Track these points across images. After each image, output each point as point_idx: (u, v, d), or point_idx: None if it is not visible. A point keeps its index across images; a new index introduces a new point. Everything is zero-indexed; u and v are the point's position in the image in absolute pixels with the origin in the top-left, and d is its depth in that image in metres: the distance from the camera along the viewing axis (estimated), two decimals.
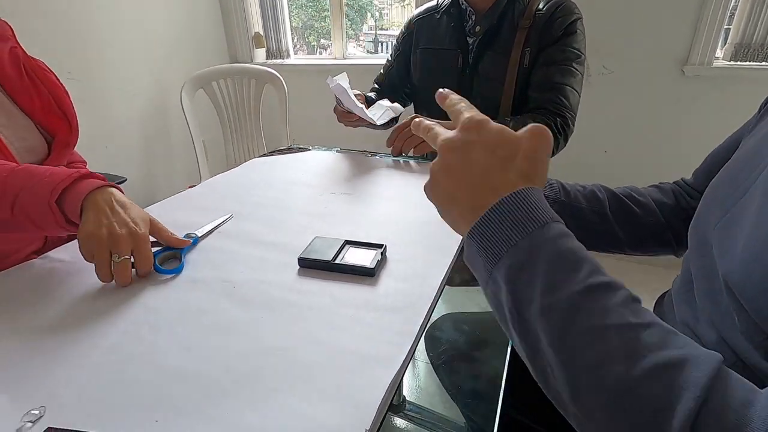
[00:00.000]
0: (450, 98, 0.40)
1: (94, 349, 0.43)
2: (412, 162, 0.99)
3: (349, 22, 2.46)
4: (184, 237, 0.62)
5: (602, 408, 0.25)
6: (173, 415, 0.36)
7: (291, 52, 2.41)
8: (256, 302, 0.50)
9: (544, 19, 0.98)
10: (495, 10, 1.02)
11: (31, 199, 0.53)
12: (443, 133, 0.38)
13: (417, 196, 0.79)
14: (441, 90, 0.41)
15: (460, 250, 0.62)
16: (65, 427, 0.35)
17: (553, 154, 1.00)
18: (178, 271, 0.56)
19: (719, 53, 1.65)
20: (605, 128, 1.81)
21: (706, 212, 0.45)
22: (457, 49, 1.07)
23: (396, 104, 1.07)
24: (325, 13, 2.45)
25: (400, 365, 0.40)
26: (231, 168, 2.08)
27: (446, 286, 0.55)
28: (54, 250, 0.63)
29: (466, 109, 0.38)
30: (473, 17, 1.05)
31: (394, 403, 0.40)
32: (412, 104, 1.28)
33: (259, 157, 1.02)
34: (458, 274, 0.59)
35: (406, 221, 0.69)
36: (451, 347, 0.49)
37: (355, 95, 0.96)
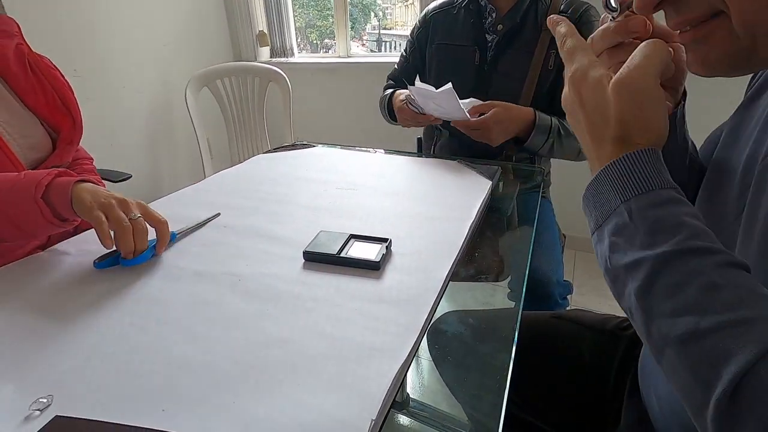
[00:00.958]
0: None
1: (101, 340, 0.43)
2: (413, 157, 0.99)
3: (352, 22, 2.46)
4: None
5: (670, 350, 0.28)
6: (180, 404, 0.36)
7: (295, 50, 2.41)
8: (262, 295, 0.50)
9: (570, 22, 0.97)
10: (518, 9, 1.02)
11: (12, 200, 0.54)
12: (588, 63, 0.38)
13: (422, 191, 0.79)
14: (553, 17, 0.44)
15: (466, 246, 0.62)
16: (73, 415, 0.35)
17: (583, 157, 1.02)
18: (144, 259, 0.57)
19: None
20: None
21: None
22: (474, 46, 1.07)
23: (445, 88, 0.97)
24: (328, 12, 2.45)
25: (405, 357, 0.40)
26: (235, 164, 2.08)
27: (450, 282, 0.55)
28: (59, 243, 0.64)
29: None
30: (494, 14, 1.05)
31: (398, 400, 0.39)
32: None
33: (264, 153, 1.02)
34: (463, 269, 0.59)
35: (410, 216, 0.69)
36: (454, 344, 0.49)
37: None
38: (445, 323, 0.53)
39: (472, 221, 0.67)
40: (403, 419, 0.41)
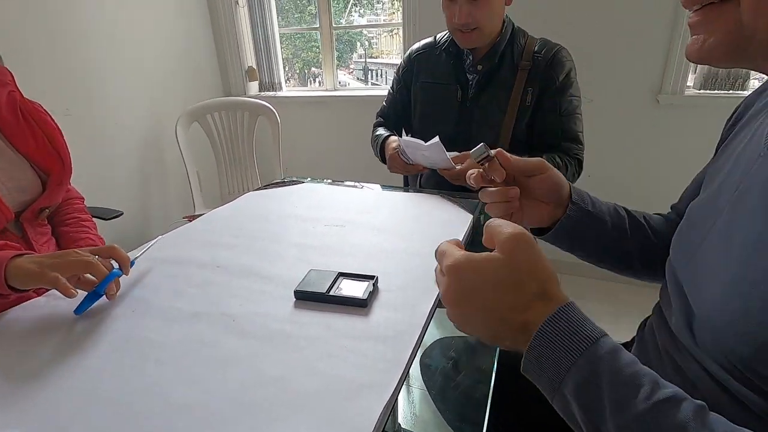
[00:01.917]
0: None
1: (101, 383, 0.46)
2: (398, 192, 1.03)
3: (339, 52, 2.55)
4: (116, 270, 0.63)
5: None
6: None
7: (283, 84, 2.48)
8: (256, 334, 0.53)
9: (544, 64, 1.07)
10: (495, 51, 1.10)
11: None
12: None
13: (406, 226, 0.83)
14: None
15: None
16: None
17: None
18: (95, 299, 0.59)
19: (690, 82, 1.75)
20: (588, 154, 1.89)
21: (677, 251, 0.48)
22: (456, 84, 1.15)
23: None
24: (313, 43, 2.54)
25: (391, 392, 0.43)
26: (224, 198, 2.11)
27: (439, 309, 0.58)
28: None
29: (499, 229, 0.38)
30: (470, 57, 1.13)
31: (387, 431, 0.42)
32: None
33: (255, 190, 1.06)
34: None
35: (396, 251, 0.72)
36: (444, 372, 0.52)
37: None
38: (434, 354, 0.56)
39: None
40: None
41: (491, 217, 0.44)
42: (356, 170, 2.30)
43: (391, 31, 2.88)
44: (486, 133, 1.12)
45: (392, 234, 0.79)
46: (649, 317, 0.57)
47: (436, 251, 0.40)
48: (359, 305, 0.57)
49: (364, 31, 3.30)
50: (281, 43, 2.45)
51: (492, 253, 0.36)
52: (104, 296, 0.60)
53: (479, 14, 1.01)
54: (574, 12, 1.73)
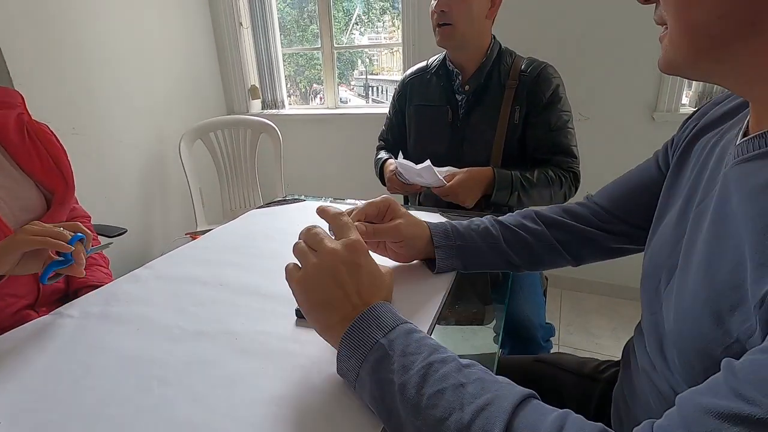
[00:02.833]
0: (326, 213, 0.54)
1: (106, 403, 0.46)
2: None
3: (340, 69, 2.60)
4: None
5: None
6: None
7: (285, 102, 2.53)
8: (258, 353, 0.54)
9: (530, 82, 1.10)
10: (482, 71, 1.13)
11: None
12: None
13: None
14: (319, 206, 0.55)
15: (448, 294, 0.67)
16: None
17: (566, 199, 1.13)
18: (61, 265, 0.64)
19: (685, 100, 1.78)
20: (585, 171, 1.91)
21: (652, 273, 0.50)
22: (447, 105, 1.18)
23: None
24: (315, 61, 2.59)
25: None
26: (227, 214, 2.13)
27: (439, 325, 0.60)
28: (65, 306, 0.67)
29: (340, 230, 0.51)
30: (460, 77, 1.16)
31: None
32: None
33: (257, 208, 1.08)
34: (450, 313, 0.64)
35: (398, 267, 0.73)
36: None
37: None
38: None
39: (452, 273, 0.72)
40: None
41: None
42: (358, 187, 2.32)
43: (392, 48, 2.94)
44: (478, 151, 1.15)
45: None
46: (632, 338, 0.58)
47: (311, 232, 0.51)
48: None
49: (366, 49, 3.37)
50: (284, 61, 2.51)
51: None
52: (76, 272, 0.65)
53: (456, 8, 1.05)
54: (569, 30, 1.77)
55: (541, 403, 0.37)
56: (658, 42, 0.41)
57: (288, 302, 0.63)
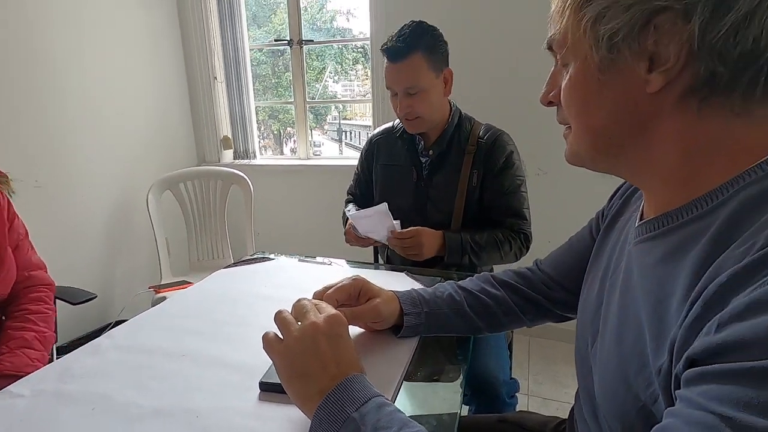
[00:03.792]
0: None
1: None
2: (364, 269, 1.07)
3: (314, 114, 2.68)
4: None
5: None
6: None
7: (257, 153, 2.57)
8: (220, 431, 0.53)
9: (486, 149, 1.18)
10: (444, 137, 1.21)
11: None
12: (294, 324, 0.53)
13: None
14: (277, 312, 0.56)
15: (412, 357, 0.69)
16: None
17: (517, 260, 1.20)
18: None
19: None
20: (546, 221, 2.00)
21: (581, 336, 0.54)
22: (412, 166, 1.25)
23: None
24: (290, 106, 2.65)
25: None
26: (193, 266, 2.08)
27: (407, 382, 0.62)
28: (15, 383, 0.64)
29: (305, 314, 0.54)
30: (422, 142, 1.25)
31: None
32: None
33: (225, 268, 1.08)
34: (419, 371, 0.67)
35: (360, 333, 0.75)
36: None
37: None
38: None
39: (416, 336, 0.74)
40: None
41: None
42: (329, 238, 2.33)
43: (365, 95, 3.08)
44: (441, 211, 1.21)
45: None
46: (573, 406, 0.62)
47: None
48: None
49: (339, 95, 3.50)
50: (258, 107, 2.57)
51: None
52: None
53: (418, 106, 1.13)
54: (525, 89, 1.91)
55: None
56: None
57: (252, 373, 0.63)
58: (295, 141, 2.57)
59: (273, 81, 3.47)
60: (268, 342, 0.53)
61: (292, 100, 2.46)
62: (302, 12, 2.31)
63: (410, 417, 0.59)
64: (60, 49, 1.75)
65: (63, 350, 1.20)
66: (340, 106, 3.94)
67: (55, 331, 1.00)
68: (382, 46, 1.12)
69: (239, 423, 0.55)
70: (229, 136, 2.53)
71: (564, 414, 0.76)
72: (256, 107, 2.57)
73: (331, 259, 1.14)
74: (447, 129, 1.21)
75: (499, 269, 1.18)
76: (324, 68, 3.53)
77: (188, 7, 2.30)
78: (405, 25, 1.11)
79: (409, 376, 0.65)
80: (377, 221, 1.10)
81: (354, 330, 0.74)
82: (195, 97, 2.44)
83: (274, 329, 0.54)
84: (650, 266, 0.41)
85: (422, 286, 0.94)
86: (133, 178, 2.11)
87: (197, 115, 2.46)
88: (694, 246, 0.36)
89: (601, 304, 0.50)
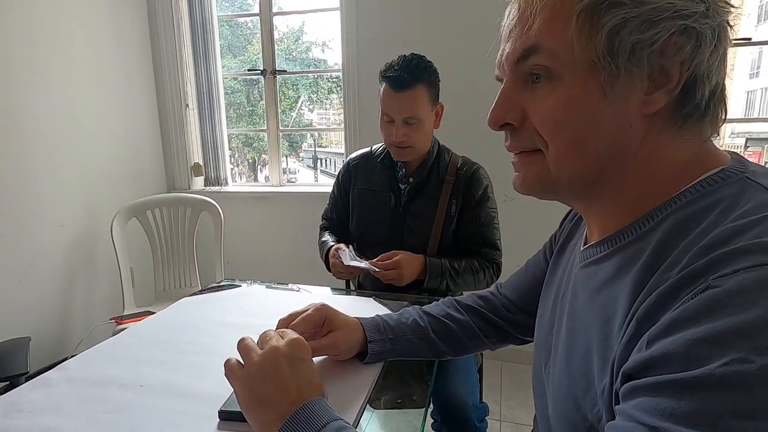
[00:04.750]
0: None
1: None
2: (334, 295, 1.07)
3: (290, 141, 2.69)
4: None
5: None
6: None
7: (229, 180, 2.55)
8: None
9: (465, 180, 1.23)
10: (425, 166, 1.25)
11: None
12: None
13: None
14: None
15: (376, 382, 0.69)
16: None
17: (488, 286, 1.20)
18: None
19: None
20: (514, 247, 2.06)
21: (537, 356, 0.56)
22: (390, 192, 1.27)
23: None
24: (262, 134, 2.65)
25: None
26: (159, 295, 2.02)
27: (378, 410, 0.62)
28: None
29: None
30: (404, 170, 1.27)
31: None
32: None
33: (190, 296, 1.05)
34: (387, 397, 0.67)
35: (325, 361, 0.74)
36: None
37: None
38: None
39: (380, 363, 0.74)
40: None
41: None
42: (302, 266, 2.31)
43: (339, 123, 3.13)
44: (417, 238, 1.23)
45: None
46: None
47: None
48: None
49: (315, 123, 3.55)
50: (231, 135, 2.56)
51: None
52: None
53: (413, 135, 1.16)
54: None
55: None
56: None
57: (213, 402, 0.62)
58: (269, 169, 2.57)
59: (248, 109, 3.50)
60: (230, 368, 0.52)
61: (265, 127, 2.48)
62: (278, 43, 2.37)
63: None
64: (22, 71, 1.72)
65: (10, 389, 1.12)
66: (316, 134, 3.99)
67: None
68: (383, 73, 1.16)
69: None
70: (201, 162, 2.51)
71: None
72: (229, 134, 2.57)
73: (300, 285, 1.13)
74: (428, 158, 1.25)
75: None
76: (299, 97, 3.59)
77: (161, 34, 2.32)
78: (406, 56, 1.15)
79: (373, 401, 0.65)
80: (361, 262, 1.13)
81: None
82: (165, 124, 2.42)
83: (238, 357, 0.54)
84: (595, 289, 0.43)
85: (389, 311, 0.95)
86: (97, 205, 2.05)
87: (168, 142, 2.44)
88: (632, 268, 0.38)
89: (553, 326, 0.51)
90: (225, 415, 0.59)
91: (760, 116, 3.43)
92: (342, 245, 1.20)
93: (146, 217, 2.00)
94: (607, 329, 0.39)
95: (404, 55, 1.16)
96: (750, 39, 1.78)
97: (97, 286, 2.08)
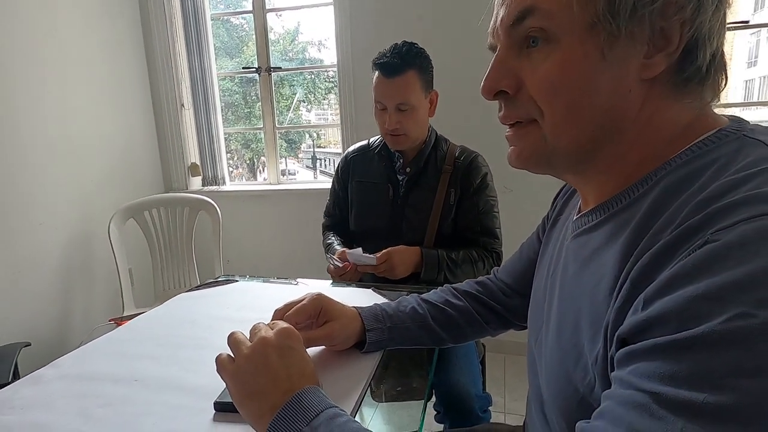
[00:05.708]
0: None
1: None
2: (332, 287, 1.06)
3: (288, 142, 2.68)
4: None
5: None
6: None
7: (227, 179, 2.54)
8: None
9: (463, 169, 1.21)
10: (421, 156, 1.23)
11: None
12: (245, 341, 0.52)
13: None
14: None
15: (374, 371, 0.67)
16: None
17: None
18: None
19: None
20: (509, 238, 2.05)
21: (530, 334, 0.55)
22: (388, 183, 1.26)
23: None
24: (260, 133, 2.64)
25: None
26: (159, 295, 2.01)
27: (381, 403, 0.60)
28: None
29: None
30: (401, 160, 1.26)
31: None
32: None
33: (186, 291, 1.04)
34: (388, 389, 0.66)
35: (321, 352, 0.73)
36: None
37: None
38: None
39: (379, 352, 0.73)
40: None
41: None
42: (301, 263, 2.31)
43: (339, 125, 3.12)
44: (415, 228, 1.22)
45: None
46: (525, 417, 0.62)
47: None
48: None
49: (313, 122, 3.53)
50: (229, 136, 2.55)
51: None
52: None
53: (406, 122, 1.15)
54: (488, 110, 1.99)
55: None
56: None
57: (208, 395, 0.61)
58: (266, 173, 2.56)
59: (245, 110, 3.48)
60: (221, 363, 0.51)
61: (262, 126, 2.46)
62: (274, 44, 2.35)
63: None
64: (15, 70, 1.71)
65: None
66: (314, 134, 3.98)
67: None
68: (374, 61, 1.15)
69: None
70: (197, 162, 2.50)
71: None
72: (226, 134, 2.55)
73: (299, 279, 1.11)
74: (424, 148, 1.23)
75: None
76: (295, 95, 3.57)
77: (154, 33, 2.30)
78: (397, 43, 1.14)
79: (373, 392, 0.63)
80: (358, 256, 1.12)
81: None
82: (161, 124, 2.41)
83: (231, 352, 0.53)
84: (586, 258, 0.42)
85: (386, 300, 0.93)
86: (94, 205, 2.04)
87: (164, 142, 2.43)
88: (623, 233, 0.37)
89: (545, 301, 0.50)
90: (220, 407, 0.58)
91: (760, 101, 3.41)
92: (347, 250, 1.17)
93: (144, 217, 1.98)
94: (597, 296, 0.37)
95: (396, 43, 1.15)
96: (747, 22, 1.77)
97: (96, 288, 2.07)
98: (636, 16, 0.34)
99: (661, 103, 0.37)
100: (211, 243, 2.01)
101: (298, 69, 2.87)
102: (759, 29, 1.86)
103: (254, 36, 2.36)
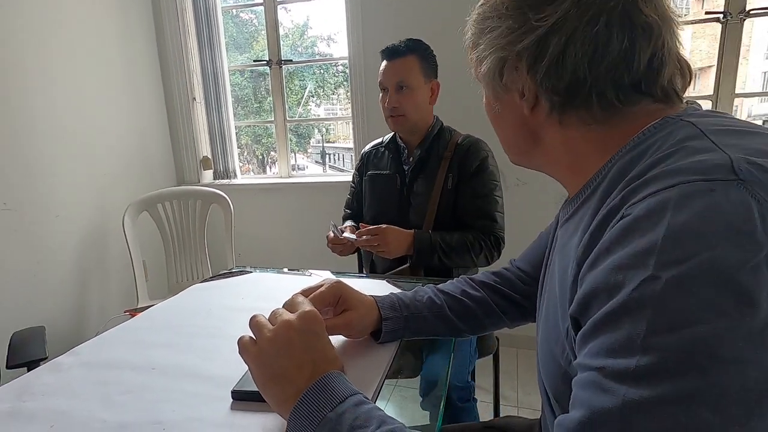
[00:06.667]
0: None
1: None
2: (345, 278, 1.06)
3: (298, 137, 2.69)
4: None
5: None
6: None
7: (238, 172, 2.55)
8: None
9: (462, 153, 1.23)
10: (423, 146, 1.27)
11: None
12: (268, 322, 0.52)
13: None
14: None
15: (392, 360, 0.67)
16: None
17: (489, 263, 1.20)
18: None
19: None
20: (523, 232, 2.02)
21: (537, 318, 0.56)
22: (396, 174, 1.30)
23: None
24: (270, 127, 2.65)
25: None
26: (172, 287, 2.03)
27: (391, 396, 0.59)
28: None
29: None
30: (406, 151, 1.31)
31: None
32: None
33: (200, 282, 1.05)
34: (402, 381, 0.65)
35: (337, 342, 0.73)
36: None
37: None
38: None
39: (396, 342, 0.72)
40: None
41: None
42: (312, 256, 2.30)
43: (346, 119, 3.12)
44: (419, 215, 1.24)
45: None
46: None
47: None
48: None
49: (323, 115, 3.54)
50: (240, 131, 2.56)
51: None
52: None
53: (405, 102, 1.19)
54: None
55: None
56: None
57: (225, 383, 0.61)
58: (276, 167, 2.56)
59: (255, 105, 3.49)
60: (243, 345, 0.51)
61: (272, 119, 2.46)
62: (284, 38, 2.35)
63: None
64: (30, 66, 1.73)
65: None
66: (324, 130, 3.98)
67: None
68: (382, 51, 1.23)
69: None
70: (209, 156, 2.51)
71: None
72: (237, 128, 2.56)
73: (312, 270, 1.11)
74: (428, 136, 1.26)
75: None
76: (306, 88, 3.57)
77: (165, 28, 2.31)
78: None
79: (392, 382, 0.63)
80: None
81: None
82: (173, 117, 2.42)
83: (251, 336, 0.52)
84: (563, 245, 0.46)
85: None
86: (108, 198, 2.06)
87: (176, 135, 2.44)
88: (584, 220, 0.41)
89: (541, 291, 0.53)
90: (238, 395, 0.58)
91: None
92: (348, 222, 1.23)
93: (157, 210, 2.00)
94: (566, 281, 0.41)
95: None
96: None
97: (110, 280, 2.10)
98: (490, 83, 0.48)
99: (563, 128, 0.45)
100: (223, 235, 2.03)
101: (309, 62, 2.87)
102: None
103: (264, 30, 2.36)
